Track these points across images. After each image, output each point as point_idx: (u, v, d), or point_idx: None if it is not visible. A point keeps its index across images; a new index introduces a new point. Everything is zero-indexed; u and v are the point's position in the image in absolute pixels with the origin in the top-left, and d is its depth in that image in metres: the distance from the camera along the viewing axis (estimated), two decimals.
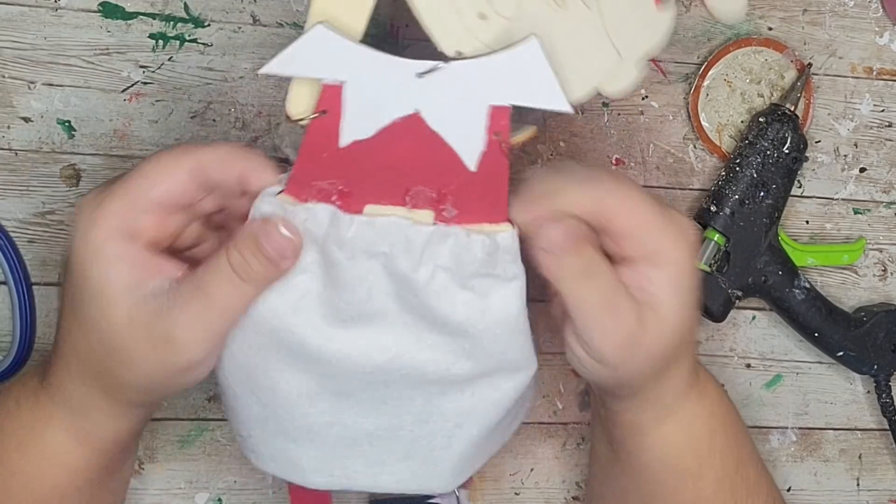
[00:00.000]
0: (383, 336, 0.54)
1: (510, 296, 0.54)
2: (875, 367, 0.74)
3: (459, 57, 0.53)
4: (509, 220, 0.54)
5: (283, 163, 0.55)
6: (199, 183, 0.53)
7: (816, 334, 0.73)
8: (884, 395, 0.75)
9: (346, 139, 0.53)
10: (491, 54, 0.53)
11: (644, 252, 0.54)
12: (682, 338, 0.56)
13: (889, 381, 0.75)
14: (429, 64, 0.52)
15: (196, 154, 0.52)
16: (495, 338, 0.54)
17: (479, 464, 0.60)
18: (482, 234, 0.54)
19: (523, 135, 0.57)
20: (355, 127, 0.53)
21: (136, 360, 0.52)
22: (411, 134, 0.53)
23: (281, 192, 0.53)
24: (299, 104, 0.53)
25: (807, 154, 0.72)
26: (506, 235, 0.54)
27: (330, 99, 0.52)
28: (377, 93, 0.52)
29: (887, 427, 0.76)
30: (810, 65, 0.74)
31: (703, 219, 0.72)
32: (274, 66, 0.52)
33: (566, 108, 0.53)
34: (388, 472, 0.58)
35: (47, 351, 0.63)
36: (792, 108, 0.72)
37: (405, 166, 0.53)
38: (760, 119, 0.71)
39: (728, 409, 0.63)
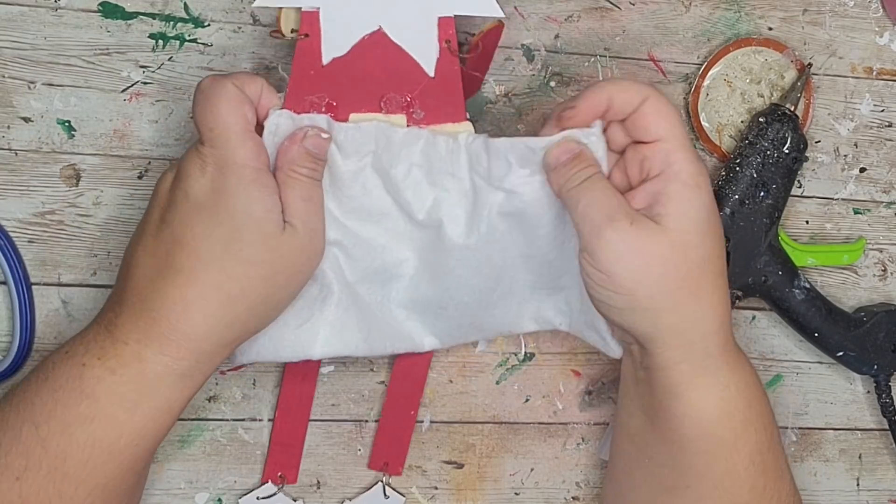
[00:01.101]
0: (386, 225, 0.65)
1: (467, 191, 0.64)
2: (875, 367, 0.74)
3: None
4: (468, 119, 0.65)
5: None
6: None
7: (816, 334, 0.73)
8: (884, 395, 0.75)
9: (326, 57, 0.62)
10: None
11: (665, 165, 0.60)
12: (700, 267, 0.59)
13: (889, 381, 0.75)
14: None
15: (231, 78, 0.59)
16: (469, 213, 0.64)
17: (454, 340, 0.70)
18: (446, 135, 0.64)
19: (487, 26, 0.65)
20: (332, 45, 0.62)
21: (295, 277, 0.60)
22: (379, 48, 0.63)
23: (281, 108, 0.61)
24: (287, 26, 0.63)
25: (807, 154, 0.72)
26: (465, 135, 0.64)
27: (310, 23, 0.62)
28: (346, 14, 0.62)
29: (887, 427, 0.76)
30: (810, 65, 0.74)
31: None
32: (263, 0, 0.62)
33: (498, 13, 0.63)
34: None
35: (47, 350, 0.64)
36: (792, 108, 0.72)
37: (377, 76, 0.63)
38: (760, 119, 0.71)
39: (761, 387, 0.63)
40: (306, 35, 0.62)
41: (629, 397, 0.65)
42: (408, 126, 0.64)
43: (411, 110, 0.64)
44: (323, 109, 0.62)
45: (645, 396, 0.63)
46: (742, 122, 0.74)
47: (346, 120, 0.63)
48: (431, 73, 0.63)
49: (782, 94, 0.74)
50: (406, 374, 0.71)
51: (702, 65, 0.74)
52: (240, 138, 0.58)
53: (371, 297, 0.67)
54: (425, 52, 0.63)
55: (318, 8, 0.62)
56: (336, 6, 0.62)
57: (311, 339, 0.64)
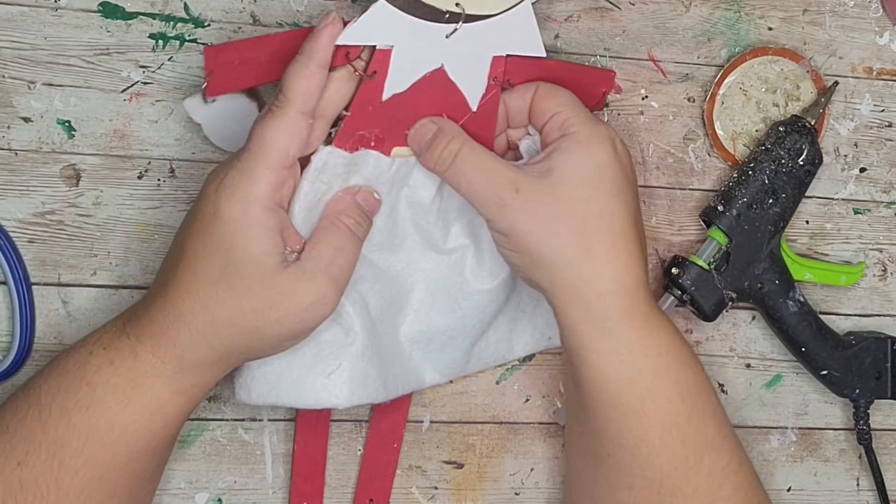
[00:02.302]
0: (400, 255, 0.66)
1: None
2: (857, 391, 0.74)
3: (469, 14, 0.63)
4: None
5: None
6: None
7: (804, 349, 0.73)
8: (861, 422, 0.75)
9: (387, 94, 0.62)
10: (498, 15, 0.63)
11: (564, 129, 0.62)
12: (592, 223, 0.60)
13: (868, 409, 0.75)
14: (452, 26, 0.62)
15: (299, 105, 0.59)
16: (490, 253, 0.66)
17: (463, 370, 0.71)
18: None
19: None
20: (396, 83, 0.63)
21: (291, 317, 0.59)
22: (434, 85, 0.63)
23: (330, 143, 0.62)
24: None
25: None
26: None
27: (380, 61, 0.62)
28: (415, 53, 0.62)
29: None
30: (836, 83, 0.74)
31: (709, 216, 0.72)
32: (345, 38, 0.60)
33: (543, 53, 0.65)
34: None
35: (47, 350, 0.65)
36: (812, 122, 0.72)
37: (425, 112, 0.64)
38: (780, 128, 0.71)
39: (684, 355, 0.63)
40: (374, 73, 0.62)
41: (564, 364, 0.66)
42: None
43: None
44: (372, 144, 0.63)
45: (569, 364, 0.64)
46: (757, 130, 0.73)
47: (388, 153, 0.64)
48: (475, 108, 0.65)
49: (804, 107, 0.73)
50: (388, 406, 0.70)
51: (718, 68, 0.73)
52: (269, 164, 0.58)
53: (387, 333, 0.67)
54: (474, 89, 0.64)
55: (392, 47, 0.62)
56: (409, 44, 0.62)
57: (336, 390, 0.64)
